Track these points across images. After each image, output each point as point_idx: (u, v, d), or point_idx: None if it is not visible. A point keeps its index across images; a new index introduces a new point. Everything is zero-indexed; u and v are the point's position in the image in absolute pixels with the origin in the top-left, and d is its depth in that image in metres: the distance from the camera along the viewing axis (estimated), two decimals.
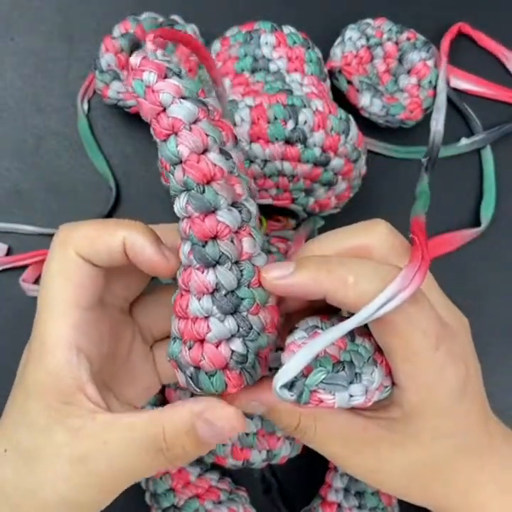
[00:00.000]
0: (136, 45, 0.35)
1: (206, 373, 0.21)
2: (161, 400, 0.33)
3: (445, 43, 0.38)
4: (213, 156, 0.20)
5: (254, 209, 0.22)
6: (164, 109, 0.19)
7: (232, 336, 0.21)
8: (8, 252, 0.36)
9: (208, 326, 0.20)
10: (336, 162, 0.29)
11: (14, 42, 0.39)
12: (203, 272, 0.20)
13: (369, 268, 0.20)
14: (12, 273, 0.36)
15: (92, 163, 0.37)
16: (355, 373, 0.20)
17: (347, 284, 0.20)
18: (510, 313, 0.38)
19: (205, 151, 0.20)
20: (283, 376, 0.19)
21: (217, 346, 0.21)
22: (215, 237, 0.20)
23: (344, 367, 0.20)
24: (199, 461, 0.33)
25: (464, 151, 0.38)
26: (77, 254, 0.22)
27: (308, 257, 0.22)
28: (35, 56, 0.39)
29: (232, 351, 0.21)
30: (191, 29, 0.36)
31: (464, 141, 0.38)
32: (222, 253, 0.20)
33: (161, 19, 0.36)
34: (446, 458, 0.22)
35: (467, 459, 0.23)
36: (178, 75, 0.20)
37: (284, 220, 0.34)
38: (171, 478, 0.31)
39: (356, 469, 0.24)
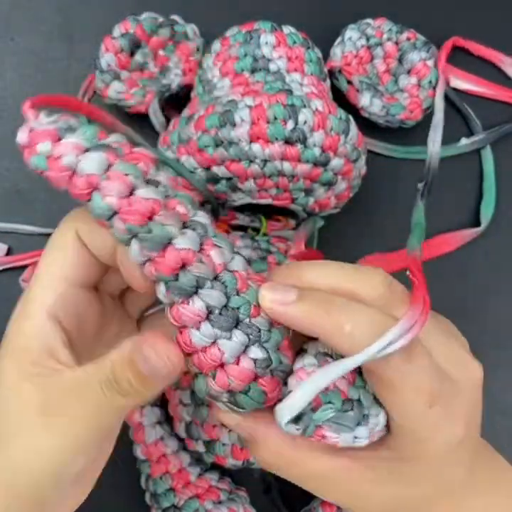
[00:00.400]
0: (136, 45, 0.35)
1: (241, 392, 0.20)
2: (161, 399, 0.33)
3: (441, 59, 0.38)
4: (142, 192, 0.19)
5: (205, 219, 0.21)
6: (74, 171, 0.19)
7: (247, 346, 0.20)
8: (8, 252, 0.36)
9: (220, 349, 0.20)
10: (336, 162, 0.29)
11: (14, 42, 0.39)
12: (188, 303, 0.19)
13: (368, 317, 0.20)
14: (12, 273, 0.36)
15: None
16: (363, 415, 0.20)
17: (342, 332, 0.19)
18: (510, 313, 0.38)
19: (132, 191, 0.19)
20: (288, 411, 0.19)
21: (237, 363, 0.20)
22: (183, 266, 0.19)
23: (353, 406, 0.20)
24: (199, 461, 0.33)
25: (464, 151, 0.38)
26: (78, 236, 0.22)
27: (311, 291, 0.21)
28: (35, 56, 0.39)
29: (255, 360, 0.20)
30: (191, 29, 0.36)
31: (464, 141, 0.38)
32: (198, 277, 0.19)
33: (161, 19, 0.35)
34: (425, 499, 0.22)
35: (446, 500, 0.22)
36: (71, 129, 0.19)
37: (284, 220, 0.34)
38: (171, 478, 0.31)
39: (333, 500, 0.24)
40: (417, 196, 0.29)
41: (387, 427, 0.21)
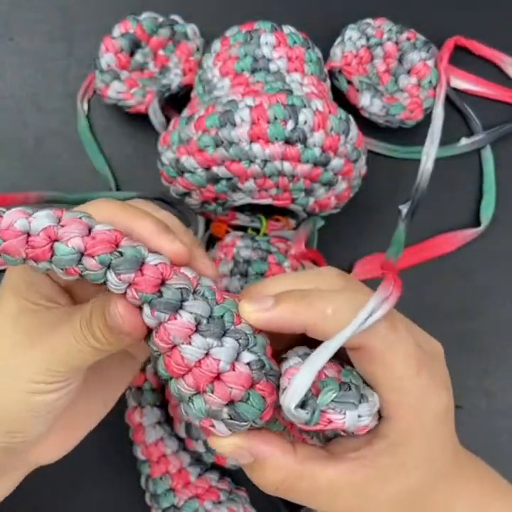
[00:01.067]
0: (136, 45, 0.35)
1: (241, 401, 0.20)
2: (161, 399, 0.33)
3: (443, 60, 0.38)
4: (100, 226, 0.20)
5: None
6: (28, 233, 0.19)
7: (238, 352, 0.20)
8: None
9: (214, 358, 0.20)
10: (336, 162, 0.29)
11: (14, 42, 0.39)
12: (176, 318, 0.20)
13: (345, 298, 0.21)
14: None
15: (92, 163, 0.37)
16: (361, 394, 0.20)
17: (326, 316, 0.20)
18: (510, 313, 0.38)
19: (90, 229, 0.20)
20: (294, 396, 0.19)
21: (234, 369, 0.20)
22: (163, 282, 0.20)
23: (350, 387, 0.20)
24: (199, 462, 0.33)
25: (464, 151, 0.38)
26: None
27: (287, 291, 0.22)
28: (35, 56, 0.39)
29: (248, 363, 0.20)
30: (191, 29, 0.36)
31: (463, 141, 0.38)
32: (181, 289, 0.20)
33: (161, 19, 0.35)
34: (426, 484, 0.22)
35: (442, 483, 0.23)
36: (4, 211, 0.19)
37: (284, 220, 0.34)
38: (171, 478, 0.31)
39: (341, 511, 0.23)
40: (399, 219, 0.29)
41: (379, 413, 0.22)
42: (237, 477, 0.34)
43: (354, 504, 0.22)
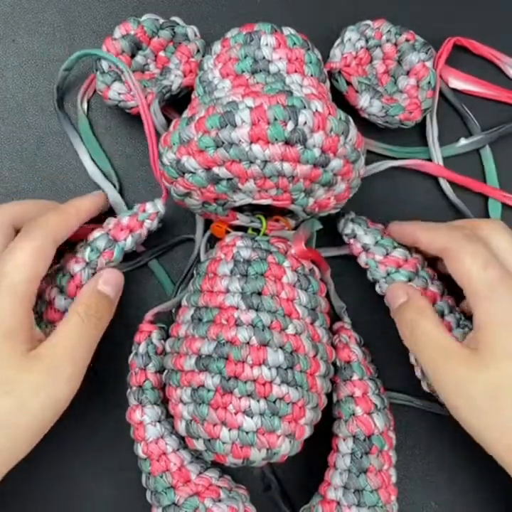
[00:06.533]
0: (137, 47, 0.35)
1: None
2: (162, 398, 0.33)
3: (441, 60, 0.38)
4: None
5: None
6: None
7: None
8: None
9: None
10: (336, 163, 0.29)
11: (15, 43, 0.39)
12: None
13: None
14: None
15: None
16: None
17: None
18: None
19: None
20: None
21: None
22: None
23: None
24: (199, 460, 0.33)
25: (463, 151, 0.39)
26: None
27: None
28: (36, 57, 0.39)
29: None
30: (191, 30, 0.36)
31: (462, 141, 0.39)
32: None
33: (161, 20, 0.36)
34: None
35: None
36: None
37: (284, 220, 0.34)
38: (172, 476, 0.31)
39: (443, 379, 0.28)
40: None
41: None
42: (237, 475, 0.34)
43: (453, 376, 0.28)
